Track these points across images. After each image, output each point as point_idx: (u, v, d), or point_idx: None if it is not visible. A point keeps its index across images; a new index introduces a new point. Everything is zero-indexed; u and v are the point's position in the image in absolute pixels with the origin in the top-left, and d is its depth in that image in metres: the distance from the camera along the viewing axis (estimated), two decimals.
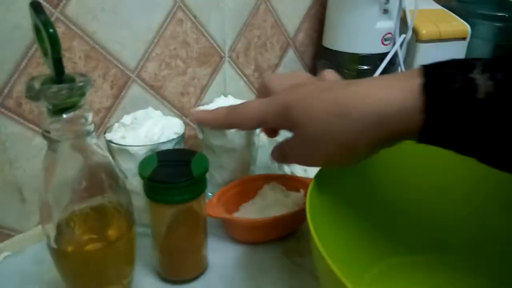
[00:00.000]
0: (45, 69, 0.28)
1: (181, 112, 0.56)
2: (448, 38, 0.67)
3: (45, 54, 0.27)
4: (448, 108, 0.24)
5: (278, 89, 0.34)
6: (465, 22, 0.68)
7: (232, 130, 0.45)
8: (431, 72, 0.25)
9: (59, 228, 0.32)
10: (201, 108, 0.49)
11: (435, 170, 0.39)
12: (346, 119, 0.27)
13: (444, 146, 0.26)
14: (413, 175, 0.39)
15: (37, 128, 0.41)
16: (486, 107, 0.23)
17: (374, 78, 0.28)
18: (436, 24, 0.66)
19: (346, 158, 0.29)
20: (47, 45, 0.26)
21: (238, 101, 0.51)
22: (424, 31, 0.65)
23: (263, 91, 0.36)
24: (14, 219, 0.43)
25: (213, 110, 0.37)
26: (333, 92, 0.28)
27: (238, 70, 0.61)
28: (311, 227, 0.27)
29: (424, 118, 0.25)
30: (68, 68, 0.43)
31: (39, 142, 0.42)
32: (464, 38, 0.68)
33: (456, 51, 0.69)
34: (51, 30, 0.25)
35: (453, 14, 0.70)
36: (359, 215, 0.37)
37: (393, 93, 0.25)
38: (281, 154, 0.35)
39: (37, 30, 0.27)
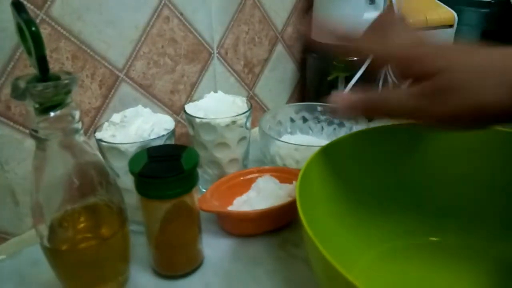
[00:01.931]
0: (33, 71, 0.28)
1: (172, 110, 0.56)
2: (435, 26, 0.67)
3: (29, 53, 0.27)
4: None
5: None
6: (451, 10, 0.69)
7: (222, 125, 0.45)
8: None
9: (52, 228, 0.32)
10: (192, 104, 0.49)
11: (431, 153, 0.39)
12: (499, 78, 0.25)
13: None
14: (406, 159, 0.40)
15: (27, 131, 0.41)
16: None
17: None
18: (422, 13, 0.67)
19: (475, 120, 0.27)
20: (30, 43, 0.26)
21: (228, 96, 0.51)
22: (411, 20, 0.65)
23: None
24: (8, 222, 0.43)
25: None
26: (485, 48, 0.27)
27: (227, 66, 0.61)
28: (301, 213, 0.27)
29: None
30: (56, 69, 0.43)
31: (30, 144, 0.42)
32: (451, 26, 0.69)
33: (444, 38, 0.69)
34: (33, 28, 0.25)
35: (439, 2, 0.71)
36: (351, 202, 0.37)
37: None
38: (383, 103, 0.29)
39: (20, 30, 0.27)
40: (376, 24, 0.32)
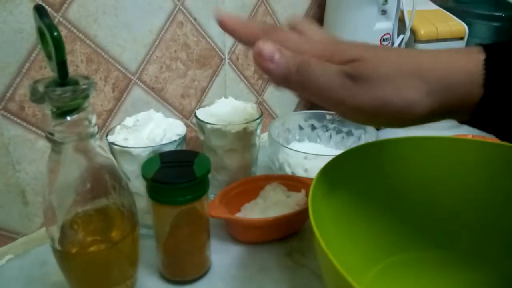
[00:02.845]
0: (48, 72, 0.28)
1: (182, 114, 0.56)
2: (446, 38, 0.67)
3: (49, 57, 0.27)
4: (506, 85, 0.25)
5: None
6: (462, 22, 0.69)
7: (233, 131, 0.45)
8: (494, 49, 0.26)
9: (63, 230, 0.32)
10: (203, 109, 0.49)
11: (441, 168, 0.39)
12: (417, 78, 0.26)
13: (493, 129, 0.26)
14: (416, 173, 0.40)
15: (39, 132, 0.42)
16: None
17: (439, 50, 0.28)
18: (434, 24, 0.67)
19: (395, 118, 0.27)
20: (51, 48, 0.26)
21: (239, 103, 0.51)
22: (422, 32, 0.66)
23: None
24: (17, 221, 0.43)
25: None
26: (405, 50, 0.28)
27: (238, 72, 0.61)
28: (314, 224, 0.27)
29: (482, 93, 0.25)
30: (70, 71, 0.43)
31: (42, 145, 0.42)
32: (461, 38, 0.69)
33: None
34: (55, 33, 0.25)
35: (451, 14, 0.71)
36: (361, 214, 0.37)
37: (460, 65, 0.26)
38: (307, 70, 0.28)
39: (41, 34, 0.27)
40: (289, 26, 0.32)
